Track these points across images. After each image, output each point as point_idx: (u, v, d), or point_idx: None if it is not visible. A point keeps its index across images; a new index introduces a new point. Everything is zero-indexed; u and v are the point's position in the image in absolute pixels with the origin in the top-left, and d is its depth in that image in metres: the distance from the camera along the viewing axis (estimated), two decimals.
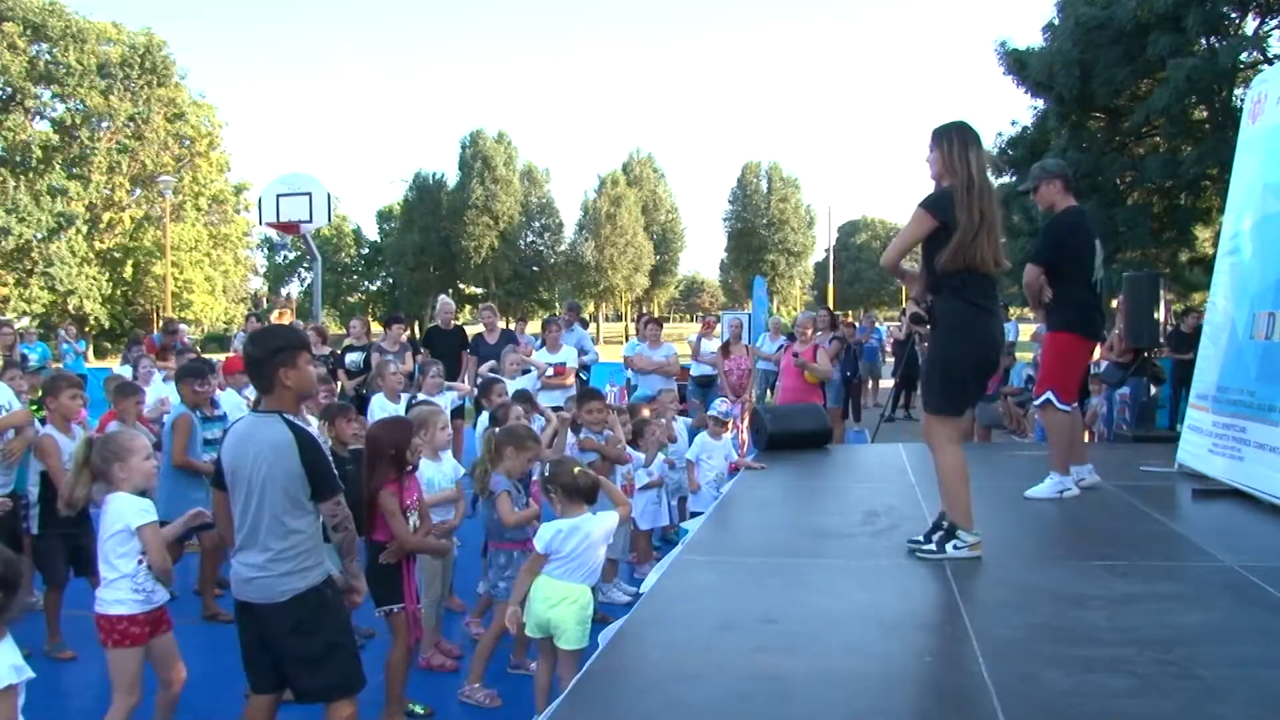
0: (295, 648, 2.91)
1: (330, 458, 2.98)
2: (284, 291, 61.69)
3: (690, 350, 10.79)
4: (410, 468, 3.94)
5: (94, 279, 36.95)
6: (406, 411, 5.66)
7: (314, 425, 4.63)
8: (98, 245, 38.32)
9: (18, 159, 36.13)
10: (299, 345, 3.03)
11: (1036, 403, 5.01)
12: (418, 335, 18.79)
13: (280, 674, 3.00)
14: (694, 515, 5.74)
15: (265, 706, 3.06)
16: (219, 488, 3.07)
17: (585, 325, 13.47)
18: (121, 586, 3.36)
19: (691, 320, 66.21)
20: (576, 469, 3.69)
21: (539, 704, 3.66)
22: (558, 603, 3.53)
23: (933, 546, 3.83)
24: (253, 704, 3.10)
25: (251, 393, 7.10)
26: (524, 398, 6.49)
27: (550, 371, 8.49)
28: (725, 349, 9.66)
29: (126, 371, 8.09)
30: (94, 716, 4.02)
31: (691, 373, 10.49)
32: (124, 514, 3.35)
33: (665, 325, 10.51)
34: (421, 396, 6.87)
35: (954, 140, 3.68)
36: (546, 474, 3.73)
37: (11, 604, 2.34)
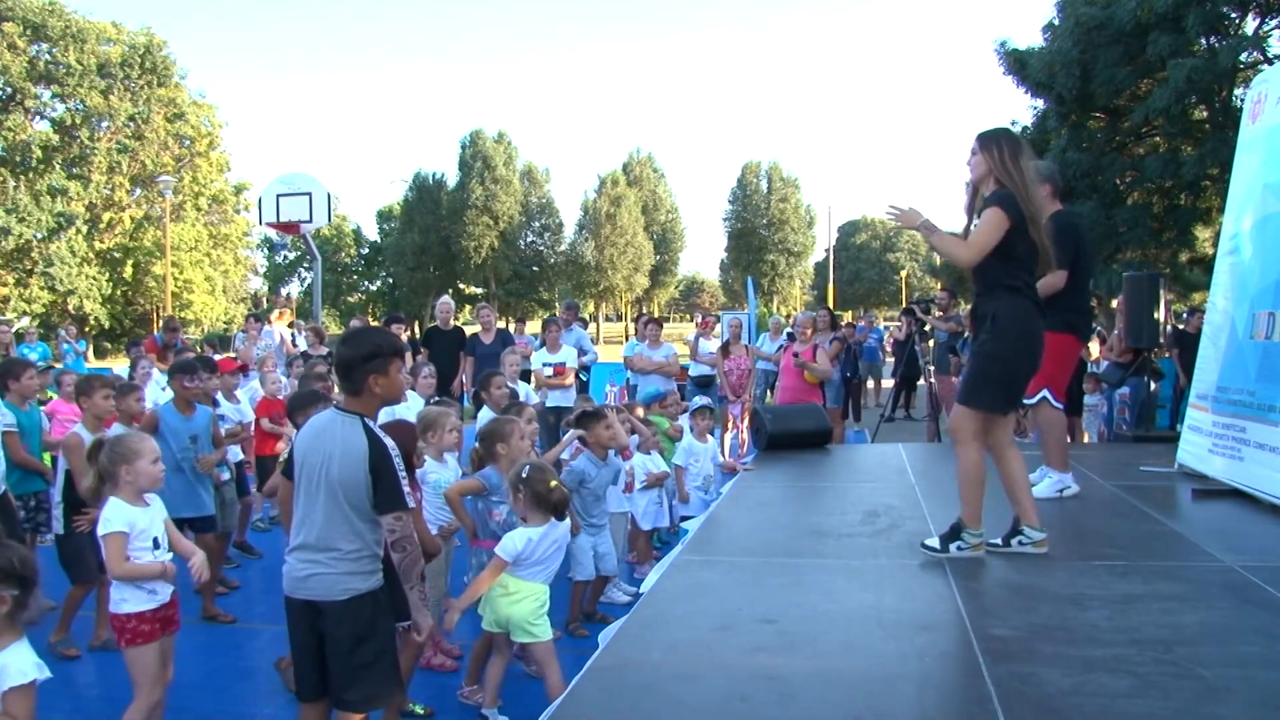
0: (349, 651, 2.85)
1: (401, 471, 2.87)
2: (284, 291, 61.70)
3: (688, 349, 10.79)
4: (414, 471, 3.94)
5: (94, 279, 36.93)
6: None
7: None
8: (98, 245, 38.30)
9: (18, 159, 36.12)
10: (393, 352, 2.98)
11: (1032, 401, 5.01)
12: (418, 335, 18.79)
13: (325, 679, 2.92)
14: (685, 519, 5.73)
15: (315, 716, 3.01)
16: (287, 476, 3.06)
17: (585, 325, 13.45)
18: (125, 585, 3.40)
19: (692, 320, 66.21)
20: (553, 482, 3.67)
21: (488, 697, 3.79)
22: (518, 600, 3.60)
23: (936, 543, 3.85)
24: (304, 713, 3.05)
25: (243, 393, 7.14)
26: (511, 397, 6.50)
27: (549, 372, 8.49)
28: (725, 349, 9.65)
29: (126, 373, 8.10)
30: (93, 717, 4.04)
31: (690, 373, 10.49)
32: (109, 518, 3.39)
33: (665, 325, 10.50)
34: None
35: (1004, 146, 3.73)
36: (523, 475, 3.68)
37: (28, 601, 2.35)
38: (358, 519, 2.85)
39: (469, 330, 10.03)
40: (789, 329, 11.70)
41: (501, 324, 11.22)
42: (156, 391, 7.04)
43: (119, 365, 10.35)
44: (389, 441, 2.86)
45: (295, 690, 3.05)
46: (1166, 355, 9.68)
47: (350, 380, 2.93)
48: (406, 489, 2.86)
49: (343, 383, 3.00)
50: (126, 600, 3.39)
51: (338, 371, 3.05)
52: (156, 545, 3.54)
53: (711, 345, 10.24)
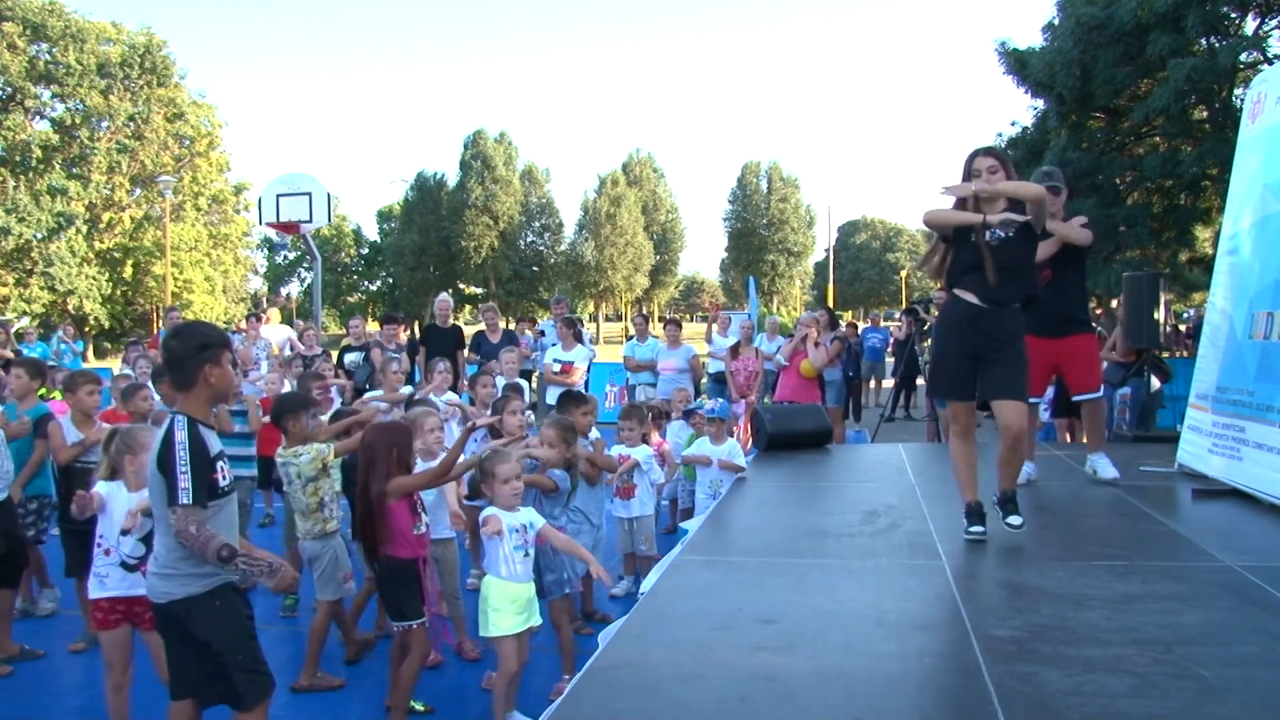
0: (188, 654, 2.90)
1: (185, 465, 2.77)
2: (284, 291, 61.72)
3: (708, 346, 10.87)
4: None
5: (94, 279, 36.90)
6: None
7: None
8: (98, 245, 38.27)
9: (18, 159, 36.08)
10: (223, 343, 2.98)
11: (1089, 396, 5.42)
12: (417, 335, 18.80)
13: (189, 679, 2.96)
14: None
15: (180, 713, 3.04)
16: None
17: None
18: (96, 571, 3.67)
19: (691, 320, 66.22)
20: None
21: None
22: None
23: (1019, 520, 4.05)
24: (170, 710, 3.08)
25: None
26: (514, 389, 6.57)
27: (557, 368, 8.59)
28: (735, 350, 9.68)
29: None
30: (90, 717, 4.05)
31: (709, 370, 10.53)
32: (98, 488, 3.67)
33: (649, 323, 10.60)
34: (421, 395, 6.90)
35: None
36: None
37: None
38: (165, 517, 2.83)
39: (473, 329, 10.10)
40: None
41: (502, 324, 11.26)
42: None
43: (119, 368, 10.27)
44: (179, 435, 2.78)
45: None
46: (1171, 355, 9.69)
47: (183, 373, 2.90)
48: (186, 485, 2.74)
49: (174, 377, 2.96)
50: (90, 586, 3.68)
51: (169, 368, 2.99)
52: (124, 533, 3.63)
53: (726, 341, 10.29)
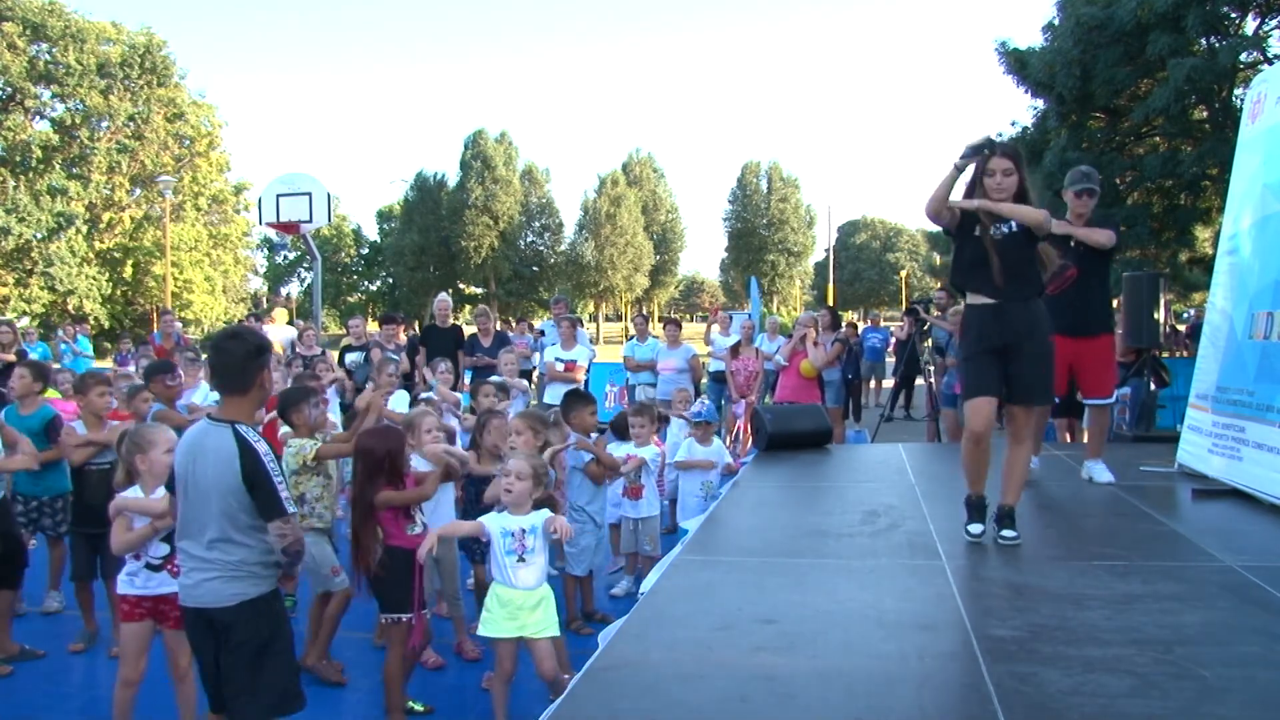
0: (242, 657, 2.84)
1: (278, 476, 2.81)
2: (284, 291, 61.74)
3: (711, 344, 10.91)
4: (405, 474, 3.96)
5: (94, 279, 36.93)
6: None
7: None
8: (98, 245, 38.29)
9: (18, 159, 36.10)
10: (270, 347, 3.03)
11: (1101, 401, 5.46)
12: (417, 334, 18.84)
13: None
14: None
15: None
16: (171, 490, 3.05)
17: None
18: (120, 567, 3.74)
19: (691, 320, 66.26)
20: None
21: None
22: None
23: (1013, 534, 3.99)
24: None
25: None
26: (500, 390, 6.62)
27: (561, 367, 8.63)
28: (735, 350, 9.68)
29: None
30: (90, 717, 4.05)
31: (709, 369, 10.52)
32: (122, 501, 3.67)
33: (649, 321, 10.64)
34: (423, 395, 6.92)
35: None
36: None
37: None
38: (238, 527, 2.82)
39: (467, 330, 10.09)
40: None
41: (496, 326, 11.30)
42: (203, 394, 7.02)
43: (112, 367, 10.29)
44: (261, 447, 2.80)
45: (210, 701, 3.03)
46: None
47: (243, 377, 2.89)
48: (286, 493, 2.81)
49: (231, 381, 2.93)
50: (120, 581, 3.70)
51: (224, 371, 2.95)
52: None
53: (727, 341, 10.29)
